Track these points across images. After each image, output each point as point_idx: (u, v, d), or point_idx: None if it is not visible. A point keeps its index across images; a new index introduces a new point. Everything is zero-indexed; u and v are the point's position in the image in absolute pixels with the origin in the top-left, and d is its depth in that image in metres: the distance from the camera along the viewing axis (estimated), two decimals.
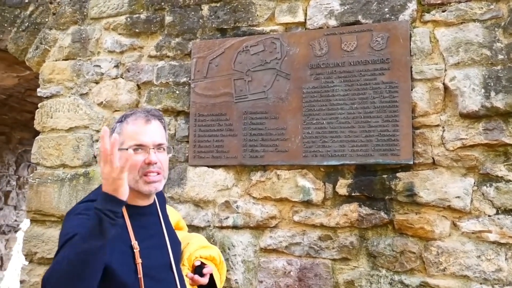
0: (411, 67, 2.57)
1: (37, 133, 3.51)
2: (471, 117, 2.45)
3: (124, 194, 1.33)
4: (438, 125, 2.51)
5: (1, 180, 6.94)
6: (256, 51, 2.90)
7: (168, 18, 3.16)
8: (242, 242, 2.81)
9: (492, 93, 2.41)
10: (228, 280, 2.78)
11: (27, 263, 3.37)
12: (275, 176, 2.78)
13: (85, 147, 3.27)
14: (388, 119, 2.57)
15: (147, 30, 3.22)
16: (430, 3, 2.59)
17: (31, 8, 3.60)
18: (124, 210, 1.57)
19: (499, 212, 2.37)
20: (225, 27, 3.02)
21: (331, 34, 2.74)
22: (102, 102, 3.27)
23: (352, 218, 2.59)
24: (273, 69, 2.85)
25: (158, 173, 1.60)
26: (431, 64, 2.55)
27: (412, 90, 2.56)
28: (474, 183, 2.42)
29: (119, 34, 3.30)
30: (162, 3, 3.19)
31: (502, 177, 2.38)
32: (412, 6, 2.62)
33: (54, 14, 3.52)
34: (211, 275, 1.79)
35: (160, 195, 1.80)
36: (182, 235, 1.91)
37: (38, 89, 3.49)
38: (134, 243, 1.52)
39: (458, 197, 2.42)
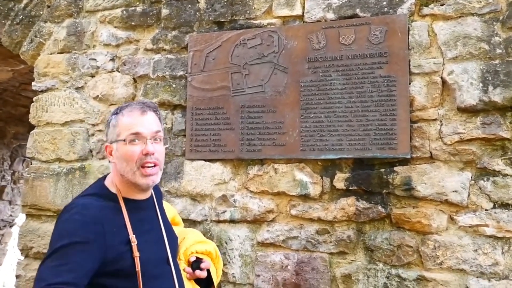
0: (409, 61, 2.57)
1: (31, 127, 3.48)
2: (469, 111, 2.44)
3: None
4: (436, 119, 2.51)
5: None
6: (253, 44, 2.88)
7: (165, 11, 3.14)
8: (239, 236, 2.81)
9: (490, 88, 2.41)
10: (225, 274, 2.77)
11: (22, 258, 3.35)
12: (272, 170, 2.77)
13: (80, 141, 3.25)
14: (386, 113, 2.56)
15: (143, 23, 3.19)
16: None
17: (25, 1, 3.55)
18: (121, 203, 1.56)
19: (496, 206, 2.38)
20: (222, 20, 3.00)
21: (329, 27, 2.73)
22: (98, 96, 3.24)
23: (350, 212, 2.59)
24: (270, 62, 2.83)
25: (155, 165, 1.59)
26: (429, 58, 2.54)
27: (410, 84, 2.55)
28: (472, 177, 2.43)
29: (115, 27, 3.27)
30: None
31: (499, 171, 2.38)
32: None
33: (49, 6, 3.49)
34: (208, 270, 1.78)
35: (156, 189, 1.79)
36: (178, 230, 1.91)
37: (33, 83, 3.46)
38: (132, 236, 1.51)
39: (456, 191, 2.42)
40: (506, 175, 2.37)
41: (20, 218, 6.81)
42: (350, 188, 2.61)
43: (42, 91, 3.41)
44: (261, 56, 2.86)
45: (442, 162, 2.47)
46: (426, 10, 2.59)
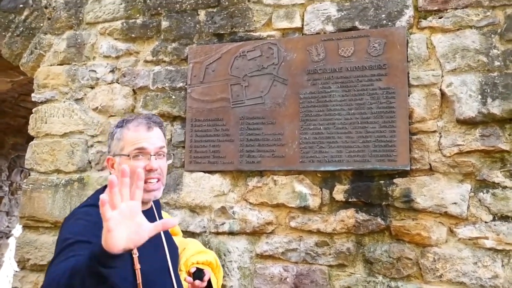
0: (408, 73, 2.58)
1: (30, 138, 3.48)
2: (468, 123, 2.45)
3: (116, 242, 1.09)
4: (435, 131, 2.51)
5: None
6: (253, 56, 2.89)
7: (165, 23, 3.16)
8: (238, 248, 2.79)
9: (489, 100, 2.42)
10: (224, 286, 2.75)
11: (19, 269, 3.32)
12: (271, 182, 2.76)
13: (79, 152, 3.24)
14: (385, 124, 2.57)
15: (143, 35, 3.21)
16: (427, 10, 2.60)
17: (25, 13, 3.58)
18: None
19: (496, 218, 2.37)
20: (222, 32, 3.02)
21: (328, 39, 2.75)
22: (97, 107, 3.24)
23: (349, 224, 2.58)
24: (270, 74, 2.85)
25: (158, 180, 1.60)
26: (428, 70, 2.56)
27: (409, 96, 2.56)
28: (471, 189, 2.42)
29: (115, 39, 3.28)
30: (159, 8, 3.19)
31: (498, 183, 2.38)
32: (409, 12, 2.63)
33: (49, 19, 3.51)
34: (209, 280, 1.79)
35: (155, 200, 1.78)
36: (178, 240, 1.91)
37: (33, 94, 3.46)
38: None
39: (455, 203, 2.42)
40: (505, 187, 2.36)
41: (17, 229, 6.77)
42: (350, 200, 2.60)
43: (42, 103, 3.41)
44: (260, 68, 2.87)
45: (442, 174, 2.47)
46: (424, 23, 2.61)
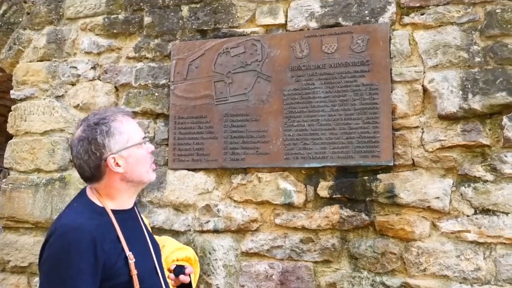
0: (391, 69, 2.60)
1: (9, 137, 3.40)
2: (450, 118, 2.48)
3: None
4: (417, 127, 2.53)
5: None
6: (236, 52, 2.88)
7: (147, 19, 3.12)
8: (223, 246, 2.78)
9: (470, 95, 2.45)
10: (209, 285, 2.74)
11: None
12: (256, 179, 2.76)
13: (60, 150, 3.19)
14: (368, 121, 2.58)
15: (125, 31, 3.16)
16: (409, 6, 2.62)
17: (4, 8, 3.49)
18: (112, 218, 1.51)
19: (477, 212, 2.41)
20: (205, 28, 2.99)
21: (312, 36, 2.75)
22: (78, 105, 3.19)
23: (334, 220, 2.59)
24: (253, 71, 2.83)
25: None
26: (411, 67, 2.58)
27: (392, 92, 2.58)
28: (453, 183, 2.45)
29: (97, 34, 3.23)
30: (141, 4, 3.15)
31: (479, 177, 2.41)
32: (392, 9, 2.65)
33: (28, 13, 3.43)
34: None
35: None
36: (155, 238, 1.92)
37: (11, 91, 3.39)
38: (129, 254, 1.47)
39: (438, 197, 2.45)
40: (486, 181, 2.40)
41: None
42: (334, 196, 2.61)
43: (21, 100, 3.34)
44: (244, 65, 2.86)
45: (424, 169, 2.50)
46: (407, 19, 2.62)
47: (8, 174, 3.35)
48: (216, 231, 2.80)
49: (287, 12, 2.85)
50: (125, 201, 1.61)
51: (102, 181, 1.55)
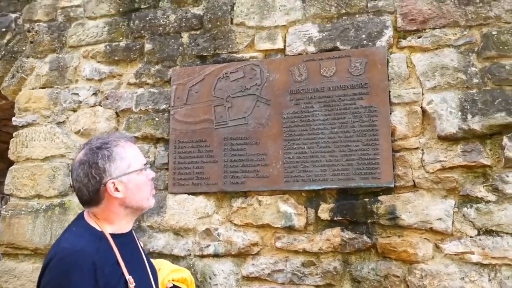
0: (389, 92, 2.62)
1: (11, 163, 3.41)
2: (449, 139, 2.48)
3: None
4: (417, 148, 2.53)
5: None
6: (236, 77, 2.91)
7: (148, 46, 3.17)
8: (224, 270, 2.74)
9: (469, 116, 2.45)
10: None
11: None
12: (256, 202, 2.74)
13: (61, 176, 3.19)
14: (368, 142, 2.58)
15: (126, 57, 3.21)
16: (406, 30, 2.66)
17: (8, 37, 3.57)
18: (111, 242, 1.50)
19: (481, 233, 2.38)
20: (205, 54, 3.04)
21: (310, 60, 2.78)
22: (79, 130, 3.21)
23: (335, 243, 2.56)
24: (253, 95, 2.86)
25: None
26: (409, 88, 2.60)
27: (391, 114, 2.59)
28: (455, 204, 2.43)
29: (98, 62, 3.28)
30: (142, 31, 3.21)
31: (482, 198, 2.39)
32: (389, 32, 2.69)
33: (31, 42, 3.50)
34: None
35: None
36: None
37: (14, 118, 3.42)
38: (129, 278, 1.45)
39: (440, 219, 2.42)
40: (488, 201, 2.38)
41: None
42: (335, 218, 2.58)
43: (23, 126, 3.36)
44: (243, 89, 2.89)
45: (426, 190, 2.48)
46: (404, 43, 2.66)
47: (9, 200, 3.34)
48: (216, 255, 2.76)
49: (285, 37, 2.89)
50: (123, 226, 1.60)
51: (100, 205, 1.54)
